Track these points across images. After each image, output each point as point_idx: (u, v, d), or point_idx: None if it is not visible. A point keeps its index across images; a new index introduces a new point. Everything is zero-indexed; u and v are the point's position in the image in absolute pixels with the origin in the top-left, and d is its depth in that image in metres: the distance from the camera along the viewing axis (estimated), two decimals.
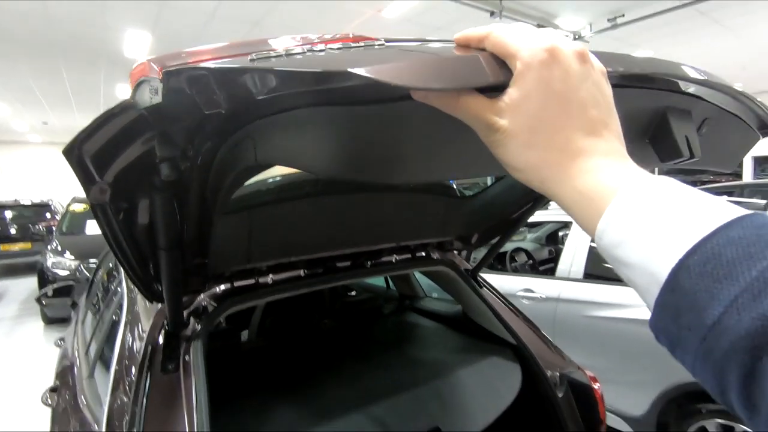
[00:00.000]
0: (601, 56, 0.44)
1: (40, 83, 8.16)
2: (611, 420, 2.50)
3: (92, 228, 6.27)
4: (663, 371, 2.27)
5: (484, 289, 1.64)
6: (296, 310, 2.00)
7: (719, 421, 2.09)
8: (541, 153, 0.34)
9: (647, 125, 0.65)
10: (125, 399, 1.00)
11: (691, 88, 0.64)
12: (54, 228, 6.90)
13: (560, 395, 1.39)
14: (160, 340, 1.05)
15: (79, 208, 6.58)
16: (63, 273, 5.25)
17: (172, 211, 0.73)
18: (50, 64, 6.88)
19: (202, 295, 1.17)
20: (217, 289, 1.18)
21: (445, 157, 0.59)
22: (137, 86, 0.52)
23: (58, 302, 4.25)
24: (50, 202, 9.12)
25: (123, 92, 8.95)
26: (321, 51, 0.41)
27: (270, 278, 1.23)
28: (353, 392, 1.29)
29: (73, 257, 5.40)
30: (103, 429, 1.01)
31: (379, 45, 0.43)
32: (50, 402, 1.51)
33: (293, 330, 1.89)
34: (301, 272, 1.28)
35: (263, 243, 1.10)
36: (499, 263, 3.55)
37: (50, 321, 5.12)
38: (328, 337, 1.87)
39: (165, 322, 1.05)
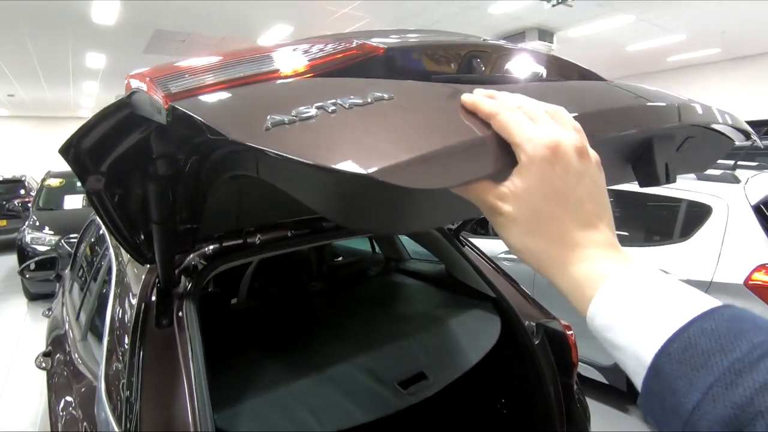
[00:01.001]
0: (595, 118, 0.47)
1: (2, 53, 7.74)
2: (587, 370, 2.66)
3: (71, 202, 6.13)
4: None
5: (466, 247, 1.71)
6: (284, 273, 2.04)
7: None
8: (540, 241, 0.37)
9: (632, 152, 0.68)
10: (121, 354, 1.03)
11: (684, 119, 0.66)
12: (30, 204, 6.71)
13: (536, 342, 1.48)
14: (153, 297, 1.08)
15: (55, 182, 6.40)
16: (43, 249, 5.16)
17: (166, 194, 0.77)
18: (13, 33, 6.51)
19: (192, 255, 1.19)
20: (207, 249, 1.21)
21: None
22: (135, 94, 0.51)
23: (41, 275, 4.22)
24: (23, 178, 8.83)
25: (93, 61, 8.56)
26: (333, 111, 0.39)
27: (258, 238, 1.26)
28: (341, 345, 1.36)
29: (52, 232, 5.30)
30: (102, 382, 1.05)
31: (388, 98, 0.42)
32: (44, 365, 1.54)
33: (282, 292, 1.94)
34: (288, 233, 1.31)
35: (252, 206, 1.13)
36: (481, 228, 3.63)
37: (33, 297, 5.07)
38: (316, 298, 1.93)
39: (156, 280, 1.08)
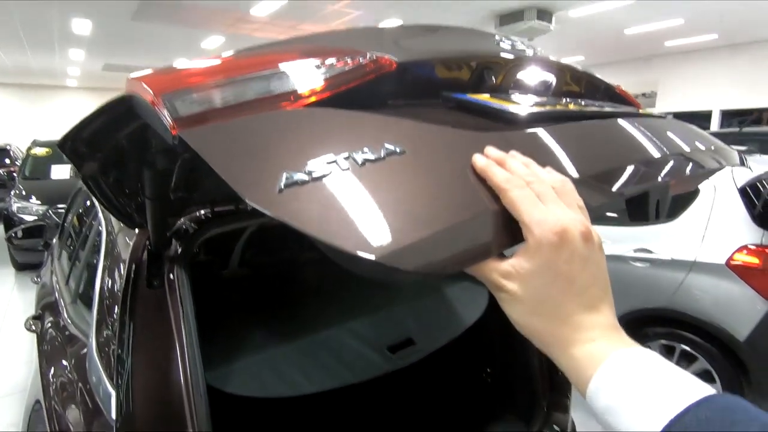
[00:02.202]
0: (591, 191, 0.47)
1: None
2: None
3: (58, 172, 6.01)
4: (614, 301, 2.47)
5: None
6: (276, 243, 2.05)
7: (663, 342, 2.33)
8: (544, 321, 0.37)
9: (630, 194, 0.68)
10: (112, 313, 1.04)
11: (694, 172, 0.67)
12: (15, 174, 6.58)
13: None
14: (144, 259, 1.08)
15: (41, 151, 6.26)
16: (30, 218, 5.09)
17: (161, 176, 0.77)
18: None
19: (183, 219, 1.19)
20: (198, 213, 1.20)
21: None
22: (138, 98, 0.48)
23: (29, 243, 4.20)
24: (8, 147, 8.62)
25: (79, 27, 8.27)
26: (346, 169, 0.38)
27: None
28: (332, 311, 1.38)
29: (39, 202, 5.22)
30: (93, 340, 1.06)
31: (400, 152, 0.41)
32: (34, 328, 1.55)
33: (273, 262, 1.95)
34: None
35: None
36: None
37: (21, 267, 5.03)
38: (307, 267, 1.94)
39: (147, 242, 1.08)
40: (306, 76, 0.49)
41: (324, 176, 0.36)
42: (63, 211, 4.74)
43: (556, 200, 0.39)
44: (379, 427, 1.54)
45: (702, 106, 11.39)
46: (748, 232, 2.13)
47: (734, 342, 2.08)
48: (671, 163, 0.65)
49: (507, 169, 0.41)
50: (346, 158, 0.38)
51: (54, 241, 2.77)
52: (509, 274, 0.38)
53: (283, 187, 0.35)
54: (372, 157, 0.39)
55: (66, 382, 1.08)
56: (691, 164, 0.71)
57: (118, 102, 0.54)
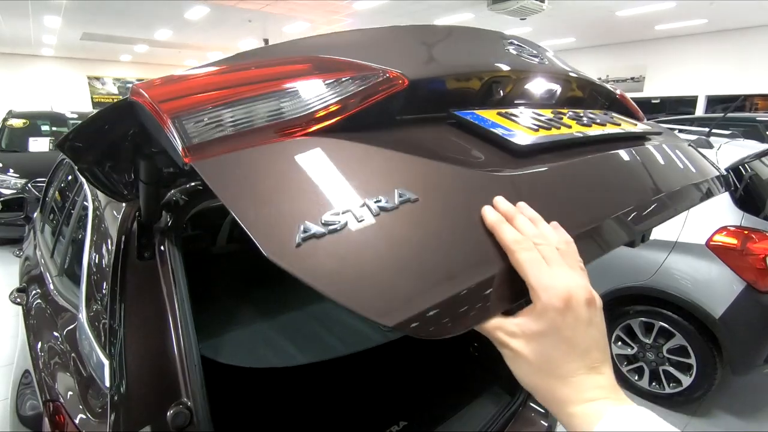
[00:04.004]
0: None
1: None
2: None
3: (36, 145, 5.82)
4: (597, 280, 2.54)
5: None
6: None
7: (642, 319, 2.41)
8: (546, 380, 0.39)
9: None
10: (103, 284, 1.03)
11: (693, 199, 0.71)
12: None
13: None
14: (134, 230, 1.07)
15: (17, 123, 6.04)
16: (9, 192, 4.94)
17: (157, 166, 0.78)
18: None
19: (173, 190, 1.17)
20: (189, 185, 1.19)
21: None
22: (143, 108, 0.47)
23: (9, 216, 4.09)
24: None
25: None
26: (361, 220, 0.38)
27: None
28: None
29: (18, 175, 5.06)
30: (83, 311, 1.05)
31: (414, 200, 0.42)
32: (19, 301, 1.52)
33: None
34: None
35: None
36: None
37: (2, 242, 4.92)
38: None
39: (137, 213, 1.06)
40: (320, 97, 0.48)
41: (340, 229, 0.37)
42: (43, 184, 4.63)
43: (561, 263, 0.41)
44: (370, 398, 1.58)
45: (688, 91, 11.51)
46: (729, 214, 2.19)
47: (710, 319, 2.16)
48: (672, 198, 0.68)
49: (516, 226, 0.43)
50: (362, 206, 0.39)
51: (35, 214, 2.71)
52: (514, 334, 0.39)
53: (300, 241, 0.35)
54: (387, 206, 0.40)
55: (56, 352, 1.07)
56: (689, 194, 0.74)
57: (121, 107, 0.52)
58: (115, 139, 0.66)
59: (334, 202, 0.39)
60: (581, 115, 0.76)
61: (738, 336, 2.14)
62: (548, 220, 0.45)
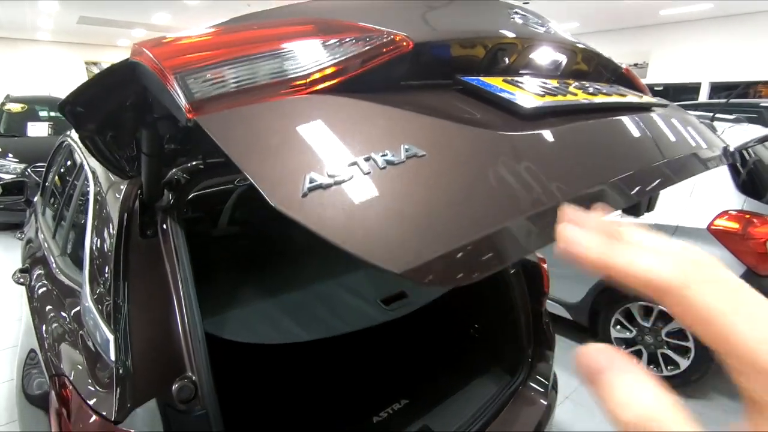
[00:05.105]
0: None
1: None
2: (554, 307, 2.83)
3: (35, 130, 5.79)
4: None
5: None
6: (267, 202, 2.03)
7: (642, 303, 2.42)
8: None
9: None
10: (107, 262, 1.03)
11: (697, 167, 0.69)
12: None
13: (512, 272, 1.56)
14: (136, 208, 1.07)
15: (16, 107, 6.00)
16: (8, 177, 4.94)
17: (160, 135, 0.78)
18: None
19: (175, 169, 1.17)
20: (190, 164, 1.18)
21: None
22: (143, 68, 0.46)
23: (10, 200, 4.09)
24: None
25: None
26: (368, 173, 0.37)
27: None
28: (325, 266, 1.39)
29: (17, 160, 5.05)
30: (87, 288, 1.05)
31: (420, 154, 0.40)
32: (22, 281, 1.53)
33: (264, 220, 1.94)
34: None
35: None
36: None
37: (2, 227, 4.92)
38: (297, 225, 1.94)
39: (139, 192, 1.06)
40: (323, 57, 0.48)
41: (346, 180, 0.36)
42: (42, 169, 4.62)
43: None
44: (374, 377, 1.60)
45: (692, 78, 11.39)
46: (731, 198, 2.18)
47: None
48: (676, 164, 0.67)
49: (639, 246, 0.25)
50: (367, 160, 0.38)
51: (36, 198, 2.71)
52: None
53: (307, 191, 0.35)
54: (393, 160, 0.39)
55: (61, 329, 1.08)
56: (692, 162, 0.74)
57: (121, 68, 0.52)
58: (116, 106, 0.66)
59: (340, 155, 0.39)
60: (587, 85, 0.76)
61: None
62: (552, 181, 0.45)
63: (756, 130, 2.57)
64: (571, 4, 9.65)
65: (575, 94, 0.67)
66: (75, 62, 16.10)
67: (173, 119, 0.70)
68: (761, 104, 4.78)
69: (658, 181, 0.61)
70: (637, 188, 0.57)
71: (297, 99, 0.44)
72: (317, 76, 0.46)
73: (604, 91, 0.75)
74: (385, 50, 0.51)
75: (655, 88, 12.05)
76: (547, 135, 0.54)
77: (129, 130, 0.77)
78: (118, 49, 16.73)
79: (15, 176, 4.87)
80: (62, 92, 7.58)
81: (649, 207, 0.73)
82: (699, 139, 0.82)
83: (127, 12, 10.82)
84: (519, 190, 0.43)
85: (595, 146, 0.60)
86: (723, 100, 3.86)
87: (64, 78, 15.14)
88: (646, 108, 0.81)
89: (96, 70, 16.66)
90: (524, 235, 0.40)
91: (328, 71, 0.47)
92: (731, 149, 0.93)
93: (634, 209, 0.72)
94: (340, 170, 0.37)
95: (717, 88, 11.09)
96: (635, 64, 12.45)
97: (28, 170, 4.86)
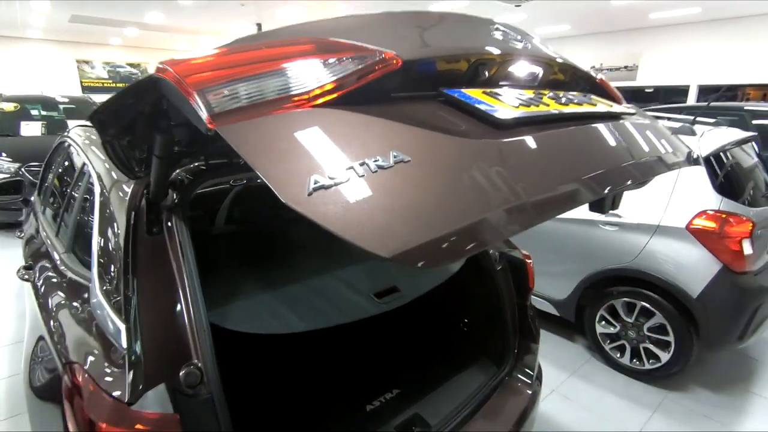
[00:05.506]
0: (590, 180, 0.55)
1: None
2: (541, 303, 2.92)
3: (28, 129, 5.78)
4: (584, 262, 2.64)
5: None
6: (263, 201, 2.10)
7: (626, 299, 2.52)
8: None
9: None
10: (115, 256, 1.09)
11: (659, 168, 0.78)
12: None
13: (499, 268, 1.64)
14: (142, 207, 1.13)
15: (8, 107, 5.98)
16: (1, 176, 4.94)
17: (172, 140, 0.85)
18: None
19: (178, 170, 1.23)
20: (193, 165, 1.24)
21: None
22: (166, 82, 0.53)
23: (7, 199, 4.12)
24: None
25: None
26: (362, 176, 0.45)
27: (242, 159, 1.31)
28: (321, 262, 1.46)
29: (10, 159, 5.05)
30: (95, 281, 1.11)
31: (406, 159, 0.49)
32: (27, 277, 1.58)
33: (260, 219, 2.00)
34: None
35: None
36: None
37: None
38: (295, 224, 2.01)
39: (144, 191, 1.12)
40: (323, 74, 0.56)
41: (344, 182, 0.44)
42: (36, 169, 4.62)
43: None
44: (367, 368, 1.68)
45: (681, 81, 11.59)
46: (709, 199, 2.28)
47: (687, 299, 2.27)
48: (636, 167, 0.75)
49: None
50: (361, 165, 0.46)
51: (33, 197, 2.74)
52: None
53: (311, 190, 0.43)
54: (384, 164, 0.47)
55: (71, 321, 1.13)
56: (652, 165, 0.82)
57: (146, 82, 0.59)
58: (137, 114, 0.73)
59: (339, 160, 0.46)
60: (561, 95, 0.83)
61: (713, 314, 2.26)
62: (524, 182, 0.53)
63: (734, 134, 2.68)
64: (562, 6, 9.78)
65: (548, 105, 0.74)
66: (66, 60, 15.96)
67: (188, 126, 0.77)
68: (745, 108, 4.91)
69: (618, 181, 0.69)
70: (599, 187, 0.65)
71: (301, 112, 0.52)
72: (318, 92, 0.54)
73: (576, 101, 0.83)
74: (377, 67, 0.59)
75: (646, 90, 12.23)
76: (519, 142, 0.61)
77: (143, 135, 0.83)
78: (110, 48, 16.61)
79: (8, 176, 4.87)
80: (54, 91, 7.53)
81: (614, 205, 0.81)
82: (663, 143, 0.90)
83: (120, 11, 10.77)
84: (490, 189, 0.51)
85: (563, 151, 0.68)
86: (704, 104, 3.97)
87: (55, 76, 15.02)
88: (615, 116, 0.89)
89: (87, 69, 16.55)
90: (494, 227, 0.48)
91: (328, 87, 0.55)
92: (694, 153, 1.01)
93: (599, 206, 0.80)
94: (339, 173, 0.45)
95: (705, 91, 11.30)
96: (626, 67, 12.63)
97: (22, 170, 4.87)
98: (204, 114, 0.49)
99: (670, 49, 11.61)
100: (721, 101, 5.91)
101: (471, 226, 0.47)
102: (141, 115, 0.74)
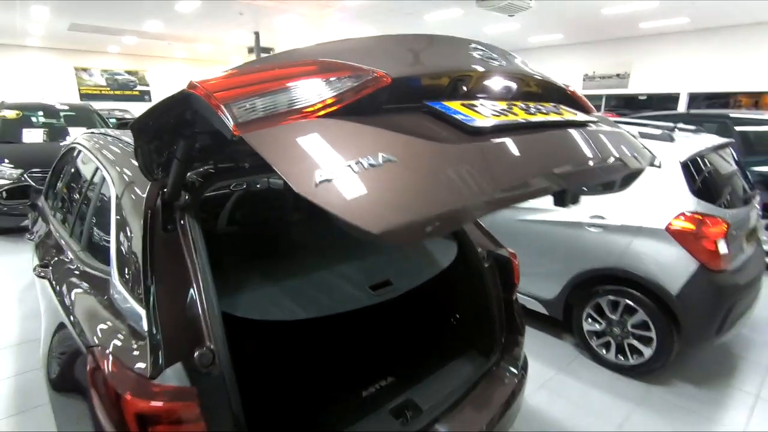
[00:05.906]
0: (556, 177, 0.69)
1: None
2: (530, 303, 3.03)
3: (30, 136, 5.88)
4: (571, 263, 2.76)
5: None
6: (264, 203, 2.21)
7: (610, 297, 2.64)
8: None
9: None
10: (134, 251, 1.20)
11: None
12: None
13: (486, 266, 1.75)
14: (158, 207, 1.24)
15: (11, 114, 6.08)
16: (4, 182, 5.03)
17: (193, 145, 0.98)
18: None
19: (190, 173, 1.34)
20: (203, 168, 1.36)
21: None
22: (196, 98, 0.66)
23: (15, 203, 4.25)
24: None
25: None
26: (357, 172, 0.58)
27: (248, 163, 1.42)
28: (320, 259, 1.57)
29: (12, 165, 5.14)
30: (115, 273, 1.22)
31: (393, 159, 0.63)
32: (43, 275, 1.68)
33: (262, 220, 2.12)
34: None
35: None
36: None
37: (1, 231, 5.01)
38: (295, 225, 2.12)
39: (159, 192, 1.23)
40: (325, 90, 0.70)
41: (343, 177, 0.56)
42: (38, 174, 4.71)
43: None
44: (363, 357, 1.79)
45: (671, 88, 11.84)
46: (686, 201, 2.42)
47: (668, 296, 2.40)
48: (593, 167, 0.88)
49: None
50: (357, 163, 0.59)
51: (40, 202, 2.84)
52: None
53: (318, 183, 0.55)
54: (374, 163, 0.60)
55: (93, 309, 1.24)
56: (614, 165, 0.95)
57: (178, 96, 0.72)
58: (167, 123, 0.85)
59: (339, 160, 0.59)
60: (530, 106, 0.96)
61: (692, 311, 2.38)
62: (492, 179, 0.65)
63: (711, 140, 2.82)
64: (555, 16, 10.01)
65: (517, 115, 0.87)
66: (65, 68, 16.10)
67: (208, 133, 0.89)
68: (730, 115, 5.09)
69: (574, 178, 0.81)
70: (553, 183, 0.77)
71: (308, 122, 0.64)
72: (321, 105, 0.67)
73: (544, 111, 0.95)
74: (370, 84, 0.71)
75: (640, 97, 12.48)
76: (487, 146, 0.74)
77: (169, 140, 0.95)
78: (108, 56, 16.77)
79: (11, 182, 4.97)
80: (52, 98, 7.63)
81: (574, 201, 0.93)
82: (622, 147, 1.02)
83: (119, 19, 10.92)
84: (461, 183, 0.63)
85: (525, 153, 0.80)
86: (684, 112, 4.14)
87: (53, 84, 15.13)
88: (580, 124, 1.01)
89: (85, 76, 16.68)
90: (462, 211, 0.60)
91: (329, 101, 0.67)
92: (656, 158, 1.14)
93: (560, 201, 0.92)
94: (339, 170, 0.57)
95: (695, 98, 11.55)
96: (618, 75, 12.89)
97: (25, 175, 4.97)
98: (230, 123, 0.61)
99: (661, 57, 11.87)
100: (715, 108, 6.07)
101: (444, 211, 0.59)
102: (170, 123, 0.86)
